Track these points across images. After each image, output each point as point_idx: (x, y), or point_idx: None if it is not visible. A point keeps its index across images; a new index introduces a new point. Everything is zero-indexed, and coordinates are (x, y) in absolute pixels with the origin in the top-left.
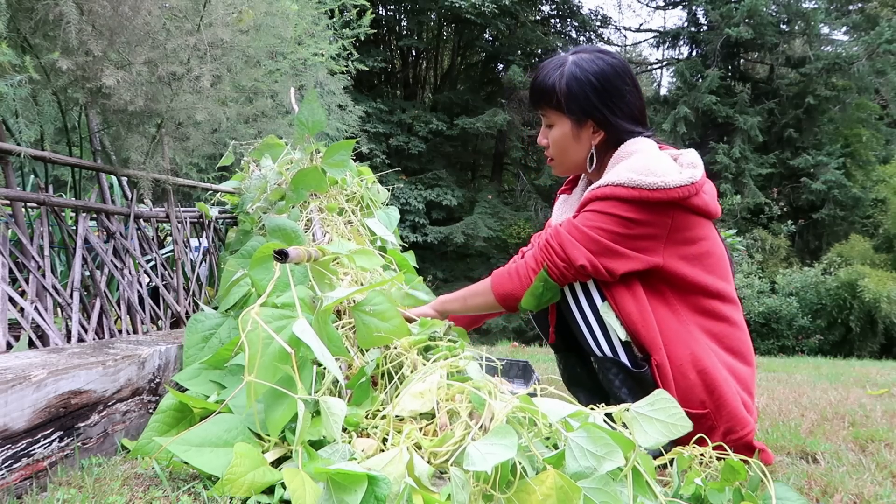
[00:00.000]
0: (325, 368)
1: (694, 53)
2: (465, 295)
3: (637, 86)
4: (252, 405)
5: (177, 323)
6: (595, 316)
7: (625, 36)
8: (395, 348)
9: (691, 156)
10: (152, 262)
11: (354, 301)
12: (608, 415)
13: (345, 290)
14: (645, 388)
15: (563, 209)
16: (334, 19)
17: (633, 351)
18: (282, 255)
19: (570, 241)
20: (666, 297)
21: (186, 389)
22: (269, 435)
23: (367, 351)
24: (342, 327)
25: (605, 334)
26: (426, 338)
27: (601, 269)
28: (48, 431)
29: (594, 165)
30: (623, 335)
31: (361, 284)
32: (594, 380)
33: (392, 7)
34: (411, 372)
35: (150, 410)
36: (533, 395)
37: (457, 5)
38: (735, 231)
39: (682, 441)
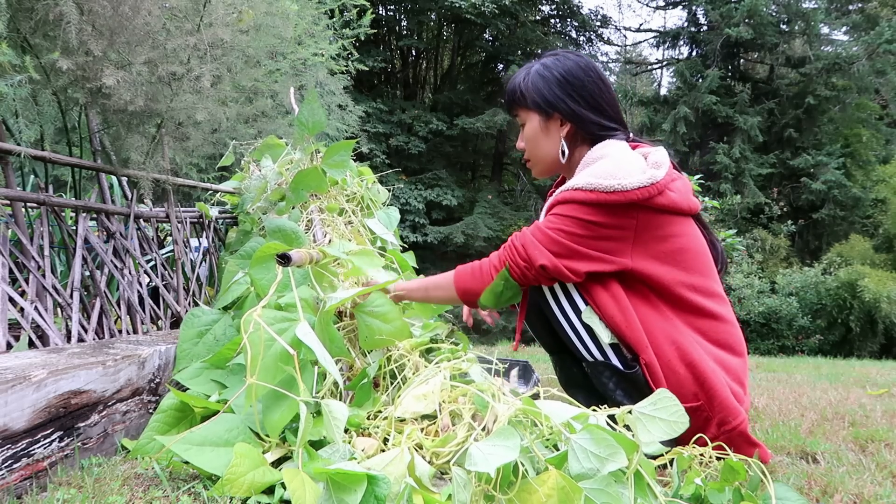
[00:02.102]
0: (326, 369)
1: (694, 53)
2: (427, 286)
3: (604, 80)
4: (252, 406)
5: (177, 323)
6: (580, 321)
7: (625, 36)
8: (398, 350)
9: (658, 155)
10: (152, 262)
11: (356, 302)
12: (611, 416)
13: (347, 291)
14: (638, 388)
15: None
16: (334, 19)
17: (623, 352)
18: (284, 259)
19: (532, 242)
20: (646, 296)
21: (188, 389)
22: (268, 436)
23: (369, 352)
24: (344, 329)
25: (592, 339)
26: (428, 340)
27: (563, 269)
28: (48, 431)
29: (566, 156)
30: (608, 338)
31: (363, 285)
32: (591, 380)
33: (392, 7)
34: (413, 374)
35: (150, 410)
36: (535, 396)
37: (457, 5)
38: (735, 231)
39: (682, 441)
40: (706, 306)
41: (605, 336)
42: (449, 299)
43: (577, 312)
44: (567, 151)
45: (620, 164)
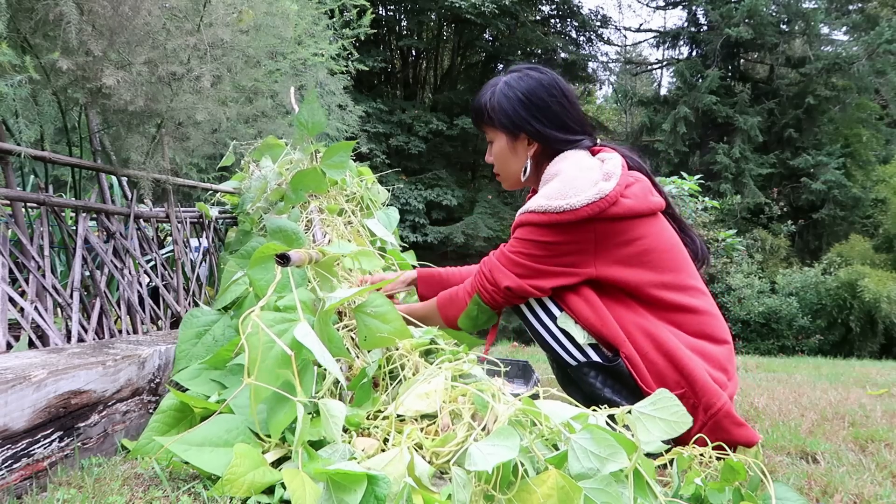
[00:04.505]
0: (326, 370)
1: (694, 53)
2: (427, 314)
3: (567, 95)
4: (254, 408)
5: (177, 323)
6: (556, 327)
7: (625, 36)
8: (398, 350)
9: (609, 165)
10: (152, 262)
11: (356, 302)
12: (610, 416)
13: (346, 291)
14: (624, 382)
15: None
16: (334, 19)
17: (603, 351)
18: (284, 259)
19: (498, 267)
20: (619, 297)
21: (187, 389)
22: (269, 437)
23: (368, 352)
24: (343, 328)
25: (571, 342)
26: (428, 341)
27: (528, 288)
28: (48, 431)
29: (528, 175)
30: (584, 338)
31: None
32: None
33: (392, 7)
34: (413, 374)
35: (150, 410)
36: (535, 396)
37: (457, 5)
38: (735, 231)
39: (682, 441)
40: (680, 302)
41: (581, 336)
42: (440, 324)
43: (553, 319)
44: (529, 170)
45: (571, 183)
